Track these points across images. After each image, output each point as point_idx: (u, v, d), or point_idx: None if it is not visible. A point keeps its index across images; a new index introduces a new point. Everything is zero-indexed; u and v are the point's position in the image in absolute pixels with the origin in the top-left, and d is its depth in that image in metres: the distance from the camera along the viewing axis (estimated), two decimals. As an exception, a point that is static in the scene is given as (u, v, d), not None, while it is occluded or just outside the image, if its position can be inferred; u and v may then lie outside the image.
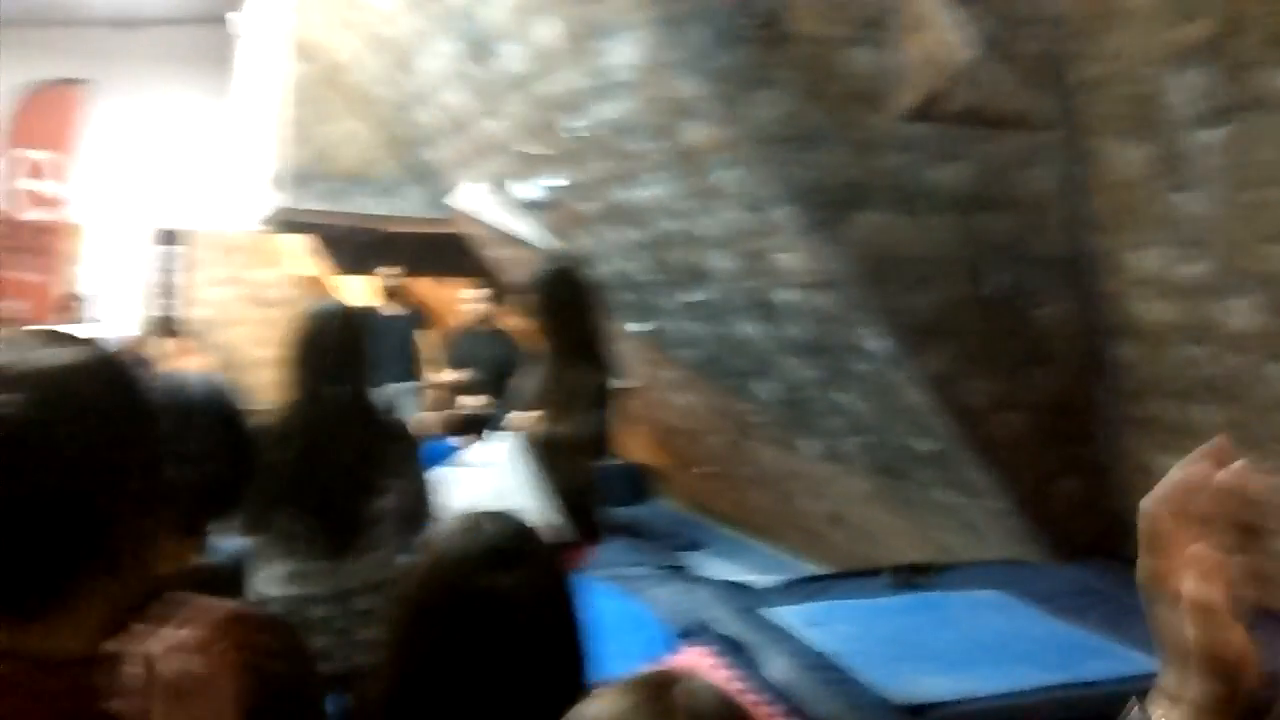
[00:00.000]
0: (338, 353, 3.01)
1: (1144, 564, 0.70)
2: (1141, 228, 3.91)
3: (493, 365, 6.25)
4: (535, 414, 3.62)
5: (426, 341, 8.33)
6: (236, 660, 1.10)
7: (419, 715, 1.29)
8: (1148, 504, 0.69)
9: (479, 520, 1.41)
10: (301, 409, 2.99)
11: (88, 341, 1.04)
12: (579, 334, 3.59)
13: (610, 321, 3.77)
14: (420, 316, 8.52)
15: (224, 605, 1.13)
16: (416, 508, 3.12)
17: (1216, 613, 0.65)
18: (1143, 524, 0.69)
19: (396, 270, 8.36)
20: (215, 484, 1.74)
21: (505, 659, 1.30)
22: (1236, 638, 0.65)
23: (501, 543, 1.37)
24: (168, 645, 1.06)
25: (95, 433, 0.97)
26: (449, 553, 1.36)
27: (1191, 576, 0.65)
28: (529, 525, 1.46)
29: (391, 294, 8.33)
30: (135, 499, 1.00)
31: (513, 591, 1.33)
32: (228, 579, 1.72)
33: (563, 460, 3.49)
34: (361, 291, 9.31)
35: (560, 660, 1.36)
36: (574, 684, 1.35)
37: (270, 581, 2.98)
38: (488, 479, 3.43)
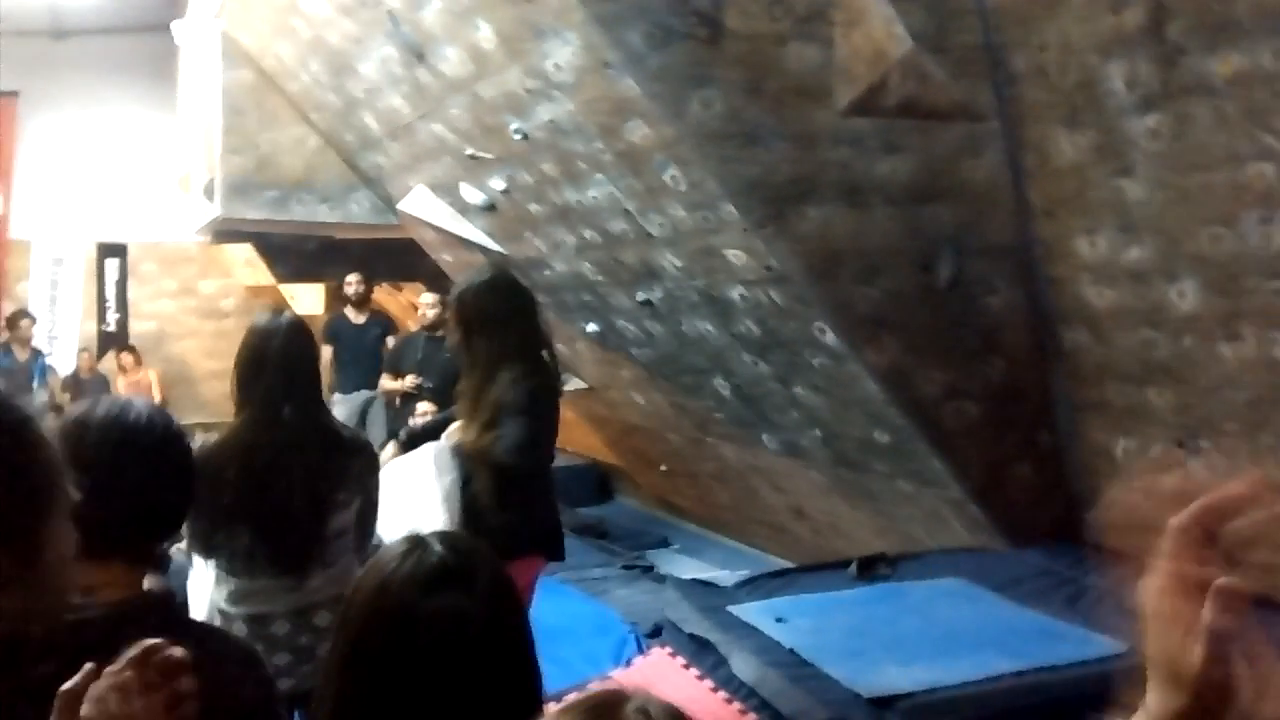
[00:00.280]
0: (290, 366, 2.96)
1: (1158, 582, 0.68)
2: (1087, 213, 3.94)
3: (443, 372, 6.19)
4: (459, 424, 3.55)
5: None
6: (178, 699, 1.10)
7: None
8: (1178, 521, 0.67)
9: (424, 540, 1.38)
10: (257, 425, 2.94)
11: None
12: (504, 342, 3.48)
13: (545, 326, 3.69)
14: (390, 323, 8.47)
15: (165, 645, 1.12)
16: (368, 524, 3.10)
17: (1229, 644, 0.64)
18: (1169, 542, 0.67)
19: (358, 276, 8.29)
20: (158, 509, 1.72)
21: (455, 681, 1.28)
22: (1234, 672, 0.65)
23: (450, 561, 1.34)
24: (111, 686, 1.06)
25: None
26: (395, 574, 1.33)
27: (1212, 606, 0.64)
28: (476, 543, 1.43)
29: (358, 301, 8.26)
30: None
31: (461, 612, 1.31)
32: (174, 604, 1.69)
33: (487, 471, 3.42)
34: (312, 299, 9.23)
35: (511, 680, 1.34)
36: (526, 704, 1.34)
37: (230, 599, 2.95)
38: (405, 490, 3.40)
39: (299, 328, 3.06)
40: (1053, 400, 4.48)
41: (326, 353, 7.61)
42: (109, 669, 1.09)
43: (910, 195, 4.12)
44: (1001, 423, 4.46)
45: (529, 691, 1.36)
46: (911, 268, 4.20)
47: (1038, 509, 4.61)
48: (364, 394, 7.73)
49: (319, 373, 3.16)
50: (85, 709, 1.06)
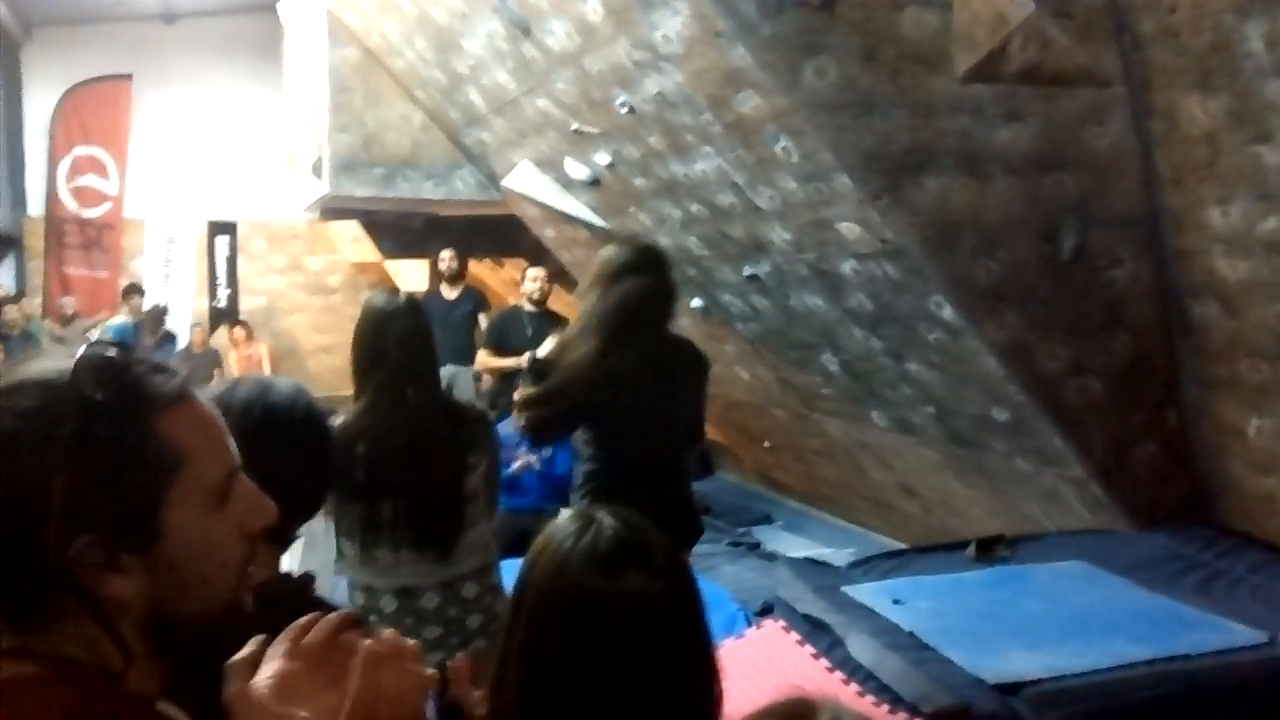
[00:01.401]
0: (411, 348, 3.00)
1: None
2: (1220, 182, 3.76)
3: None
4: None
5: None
6: (343, 678, 1.09)
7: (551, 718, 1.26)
8: None
9: (594, 516, 1.36)
10: (383, 405, 2.99)
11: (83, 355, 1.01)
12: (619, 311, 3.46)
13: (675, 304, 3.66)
14: (482, 299, 8.50)
15: (333, 619, 1.12)
16: (492, 484, 3.14)
17: None
18: None
19: (451, 253, 8.34)
20: (300, 490, 1.73)
21: (640, 661, 1.26)
22: None
23: (626, 539, 1.32)
24: (284, 654, 1.07)
25: (13, 458, 0.94)
26: (572, 553, 1.31)
27: None
28: (645, 520, 1.40)
29: (451, 277, 8.32)
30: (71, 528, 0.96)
31: (643, 591, 1.28)
32: (313, 584, 1.70)
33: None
34: (416, 276, 9.32)
35: (692, 656, 1.31)
36: (706, 680, 1.31)
37: (377, 574, 3.00)
38: None
39: (416, 308, 3.11)
40: (1180, 377, 4.31)
41: None
42: (279, 640, 1.09)
43: (1032, 164, 3.98)
44: (1126, 400, 4.30)
45: (709, 667, 1.33)
46: (1033, 239, 4.06)
47: (1163, 489, 4.45)
48: (449, 368, 7.75)
49: (435, 350, 3.17)
50: (259, 679, 1.06)
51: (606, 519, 1.34)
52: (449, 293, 8.28)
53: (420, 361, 3.03)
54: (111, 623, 0.98)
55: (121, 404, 0.98)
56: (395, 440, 2.94)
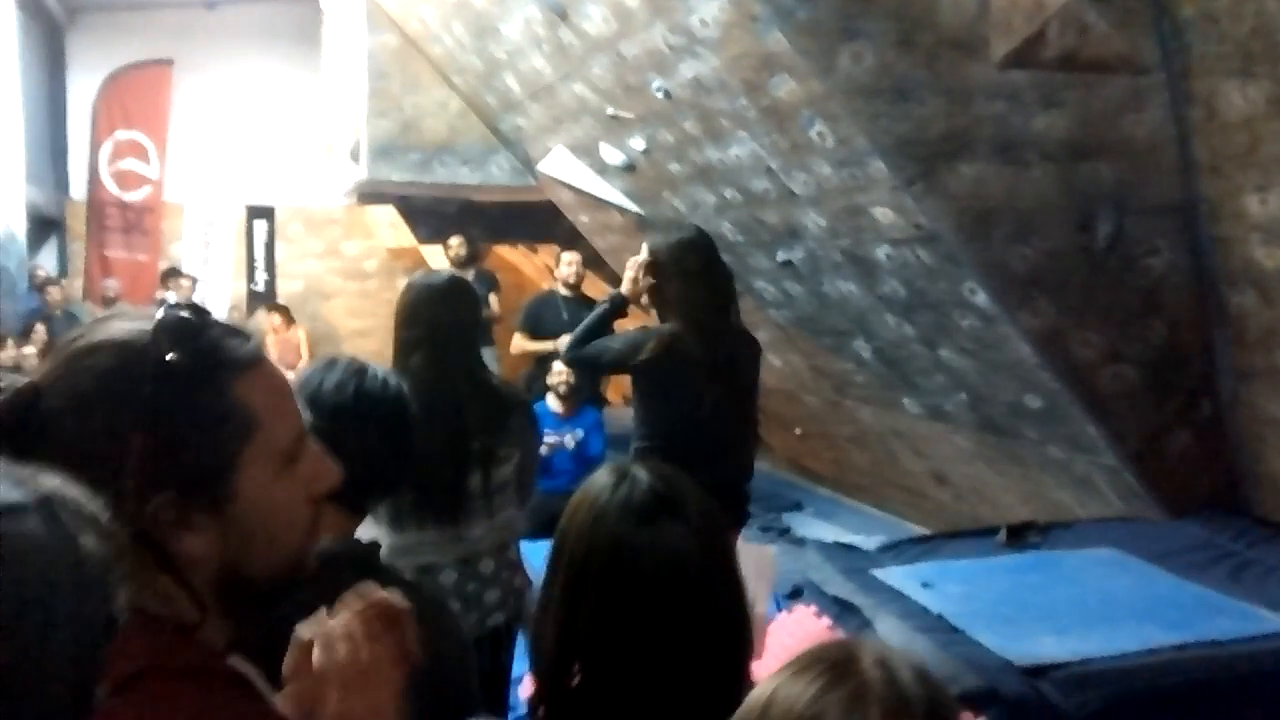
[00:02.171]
0: (448, 323, 3.01)
1: None
2: (1259, 170, 3.74)
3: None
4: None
5: (507, 306, 8.38)
6: (402, 650, 1.13)
7: (591, 667, 1.29)
8: None
9: (630, 470, 1.38)
10: (422, 381, 2.99)
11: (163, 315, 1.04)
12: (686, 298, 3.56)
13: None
14: (493, 281, 8.55)
15: (391, 595, 1.16)
16: (528, 476, 3.14)
17: None
18: None
19: (460, 240, 8.39)
20: (382, 468, 1.79)
21: (673, 609, 1.29)
22: None
23: (660, 491, 1.35)
24: (341, 635, 1.10)
25: (90, 415, 0.97)
26: (609, 504, 1.34)
27: None
28: (680, 474, 1.42)
29: (461, 264, 8.35)
30: (148, 484, 0.99)
31: (676, 541, 1.31)
32: (378, 553, 1.76)
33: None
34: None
35: (724, 607, 1.34)
36: (737, 630, 1.34)
37: (397, 552, 3.03)
38: None
39: (457, 285, 3.10)
40: (1215, 366, 4.29)
41: None
42: (337, 618, 1.12)
43: (1068, 152, 3.97)
44: (1161, 388, 4.29)
45: (740, 615, 1.36)
46: (1069, 227, 4.05)
47: (1196, 478, 4.44)
48: None
49: (477, 329, 3.19)
50: (316, 655, 1.09)
51: (641, 472, 1.37)
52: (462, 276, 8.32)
53: (456, 337, 3.02)
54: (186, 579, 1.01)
55: (198, 366, 1.00)
56: (427, 415, 2.94)
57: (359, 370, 1.84)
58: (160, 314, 1.03)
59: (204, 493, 1.00)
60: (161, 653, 0.93)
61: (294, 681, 1.09)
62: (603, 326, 3.73)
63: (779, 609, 4.19)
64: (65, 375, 0.98)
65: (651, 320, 3.87)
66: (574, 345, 3.76)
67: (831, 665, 0.93)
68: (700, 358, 3.49)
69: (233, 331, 1.07)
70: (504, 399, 3.12)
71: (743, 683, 1.31)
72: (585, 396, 6.28)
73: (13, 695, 0.54)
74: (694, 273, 3.56)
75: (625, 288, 3.68)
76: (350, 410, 1.74)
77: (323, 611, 1.13)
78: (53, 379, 0.98)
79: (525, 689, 3.00)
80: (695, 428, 3.48)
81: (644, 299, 3.68)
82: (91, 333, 1.02)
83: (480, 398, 3.02)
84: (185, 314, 1.03)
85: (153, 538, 0.99)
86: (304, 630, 1.11)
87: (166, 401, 0.98)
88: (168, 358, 0.99)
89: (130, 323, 1.02)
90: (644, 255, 3.67)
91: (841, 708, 0.89)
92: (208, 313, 1.06)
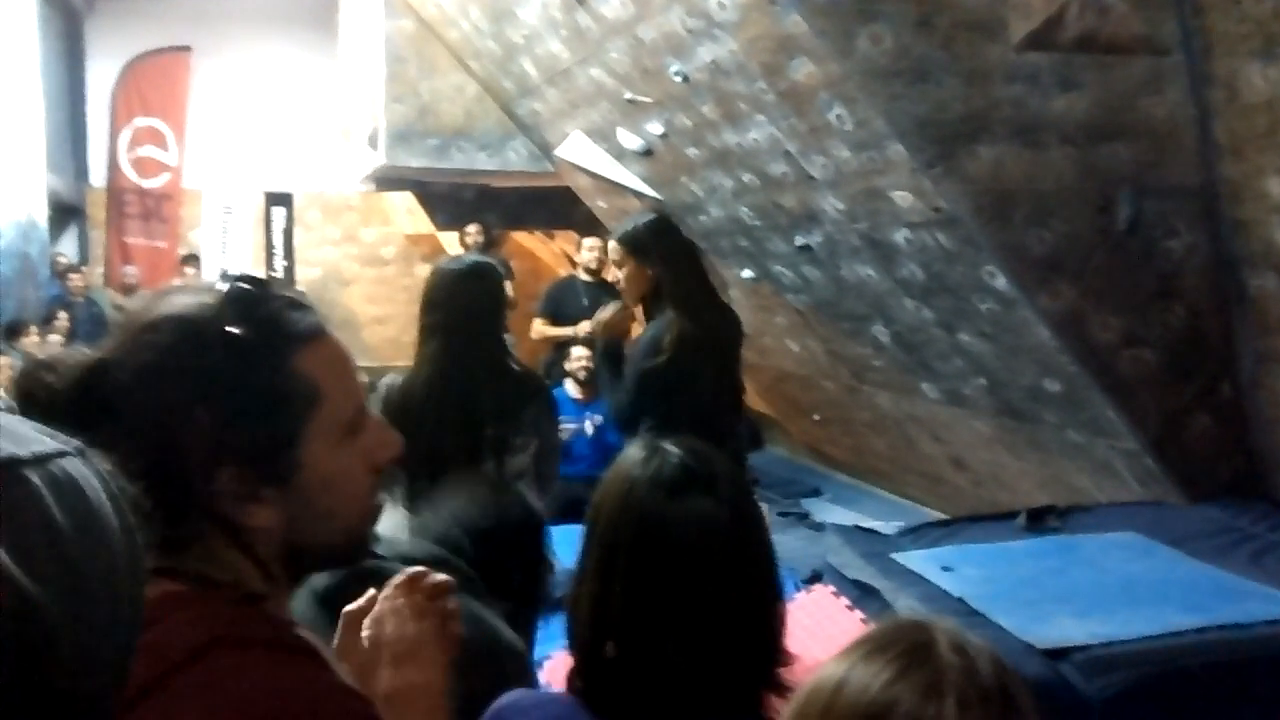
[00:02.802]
0: (467, 307, 3.01)
1: None
2: (1281, 151, 3.72)
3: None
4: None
5: (524, 293, 8.39)
6: (446, 625, 1.16)
7: (625, 641, 1.30)
8: None
9: (662, 445, 1.38)
10: (437, 368, 3.00)
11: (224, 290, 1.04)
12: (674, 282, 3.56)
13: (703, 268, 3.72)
14: (506, 268, 8.57)
15: (435, 574, 1.19)
16: (548, 464, 3.14)
17: None
18: None
19: (477, 228, 8.41)
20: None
21: (705, 582, 1.29)
22: None
23: (691, 465, 1.35)
24: (387, 610, 1.13)
25: (157, 390, 0.97)
26: (640, 478, 1.34)
27: None
28: (711, 449, 1.42)
29: (480, 249, 8.36)
30: (212, 457, 1.00)
31: (706, 514, 1.31)
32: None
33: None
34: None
35: (756, 580, 1.35)
36: (770, 603, 1.35)
37: (414, 534, 3.03)
38: None
39: (477, 269, 3.11)
40: (1235, 349, 4.27)
41: None
42: (383, 594, 1.14)
43: (1087, 134, 3.95)
44: (1181, 372, 4.27)
45: (773, 588, 1.37)
46: (1088, 209, 4.04)
47: (1217, 462, 4.42)
48: None
49: (500, 313, 3.19)
50: (365, 632, 1.11)
51: (671, 447, 1.37)
52: None
53: (472, 324, 3.03)
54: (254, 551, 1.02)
55: (261, 339, 1.01)
56: (445, 399, 2.95)
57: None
58: (223, 287, 1.03)
59: (270, 465, 1.01)
60: (231, 623, 0.94)
61: (344, 660, 1.11)
62: (618, 373, 3.68)
63: (798, 591, 4.20)
64: (131, 350, 0.99)
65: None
66: (620, 423, 3.69)
67: (907, 650, 0.91)
68: (702, 339, 3.50)
69: (294, 304, 1.07)
70: (522, 386, 3.12)
71: (777, 655, 1.33)
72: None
73: (76, 644, 0.55)
74: (676, 255, 3.55)
75: (604, 328, 3.67)
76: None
77: (370, 592, 1.15)
78: (119, 353, 0.99)
79: (549, 671, 3.01)
80: (703, 407, 3.49)
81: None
82: (155, 306, 1.02)
83: (497, 385, 3.01)
84: (247, 286, 1.03)
85: (220, 511, 0.99)
86: (351, 608, 1.13)
87: (230, 374, 0.98)
88: (231, 331, 0.99)
89: (193, 296, 1.03)
90: (614, 254, 3.67)
91: (917, 697, 0.87)
92: (269, 284, 1.07)
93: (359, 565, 1.45)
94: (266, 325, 1.02)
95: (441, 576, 1.18)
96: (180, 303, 1.02)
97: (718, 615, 1.28)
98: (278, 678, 0.92)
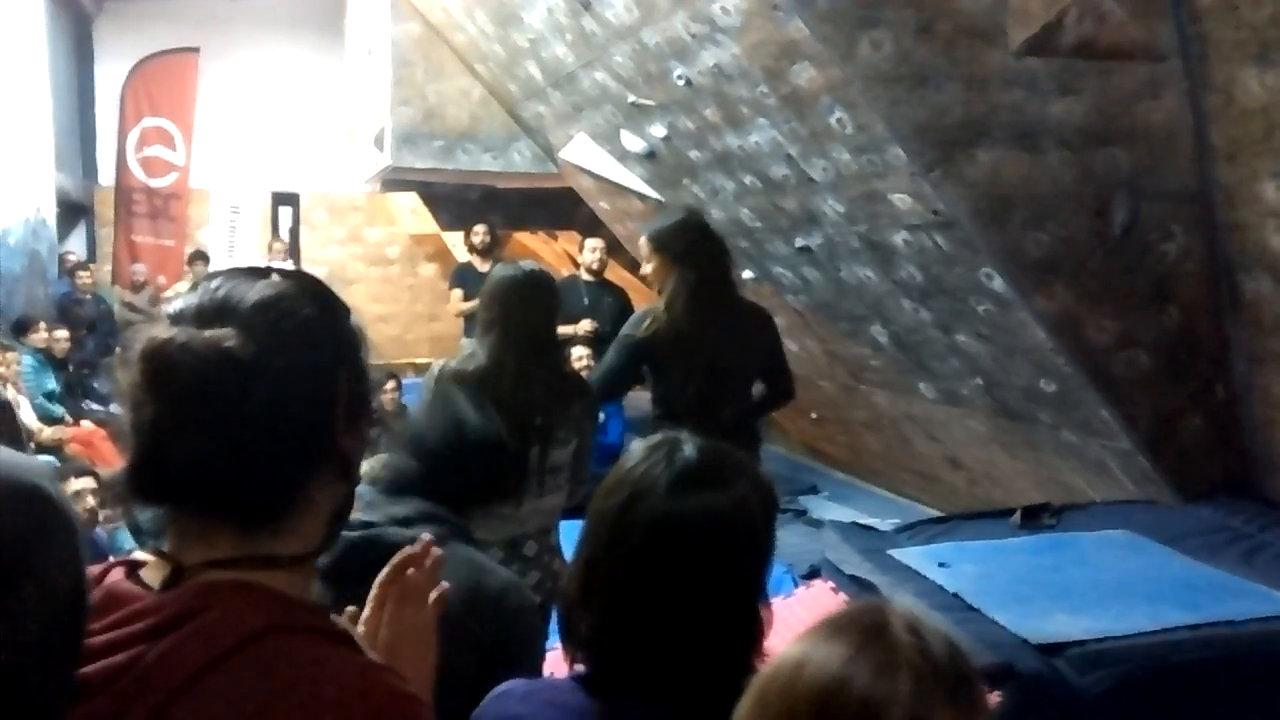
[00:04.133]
0: (520, 311, 3.11)
1: None
2: (1277, 157, 3.78)
3: (612, 316, 6.29)
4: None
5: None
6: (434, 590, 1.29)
7: (631, 641, 1.31)
8: None
9: (673, 440, 1.38)
10: (500, 355, 3.08)
11: (290, 273, 1.13)
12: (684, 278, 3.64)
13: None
14: None
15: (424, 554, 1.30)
16: (582, 466, 3.22)
17: None
18: None
19: (484, 228, 8.46)
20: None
21: (710, 577, 1.30)
22: None
23: (701, 461, 1.35)
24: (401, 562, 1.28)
25: (313, 352, 1.06)
26: (648, 474, 1.34)
27: None
28: (723, 445, 1.41)
29: (483, 251, 8.40)
30: (349, 411, 1.09)
31: (716, 510, 1.31)
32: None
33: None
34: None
35: (746, 579, 1.34)
36: (754, 608, 1.34)
37: None
38: None
39: (532, 278, 3.19)
40: (1229, 351, 4.33)
41: (456, 295, 7.93)
42: (389, 573, 1.28)
43: (1085, 138, 4.02)
44: (1174, 373, 4.33)
45: (759, 586, 1.37)
46: (1085, 213, 4.10)
47: (1210, 463, 4.48)
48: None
49: (553, 318, 3.29)
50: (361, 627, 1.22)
51: (681, 441, 1.38)
52: (481, 265, 8.37)
53: (528, 325, 3.12)
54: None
55: (346, 309, 1.14)
56: (480, 374, 3.01)
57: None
58: (283, 272, 1.12)
59: (366, 410, 1.12)
60: (279, 613, 0.99)
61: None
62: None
63: (796, 586, 4.27)
64: (258, 327, 1.03)
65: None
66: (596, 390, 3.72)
67: (864, 629, 0.94)
68: (691, 333, 3.56)
69: None
70: (569, 385, 3.23)
71: (758, 643, 1.34)
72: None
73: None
74: (698, 255, 3.64)
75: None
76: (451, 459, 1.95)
77: (394, 560, 1.29)
78: (241, 335, 1.02)
79: (552, 663, 3.06)
80: (692, 400, 3.56)
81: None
82: (248, 290, 1.06)
83: (548, 378, 3.13)
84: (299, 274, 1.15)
85: (349, 461, 1.10)
86: (383, 578, 1.26)
87: (351, 335, 1.11)
88: (343, 301, 1.13)
89: (265, 280, 1.09)
90: (643, 248, 3.76)
91: (872, 672, 0.91)
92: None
93: (352, 536, 1.54)
94: (336, 298, 1.13)
95: (436, 551, 1.30)
96: (270, 285, 1.08)
97: (715, 612, 1.28)
98: (324, 662, 0.98)
